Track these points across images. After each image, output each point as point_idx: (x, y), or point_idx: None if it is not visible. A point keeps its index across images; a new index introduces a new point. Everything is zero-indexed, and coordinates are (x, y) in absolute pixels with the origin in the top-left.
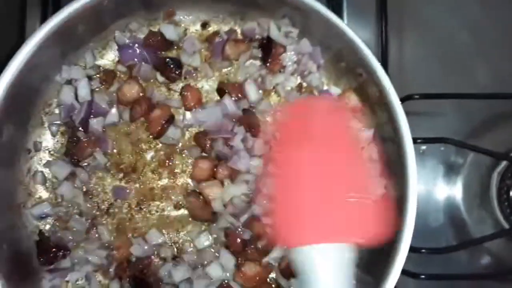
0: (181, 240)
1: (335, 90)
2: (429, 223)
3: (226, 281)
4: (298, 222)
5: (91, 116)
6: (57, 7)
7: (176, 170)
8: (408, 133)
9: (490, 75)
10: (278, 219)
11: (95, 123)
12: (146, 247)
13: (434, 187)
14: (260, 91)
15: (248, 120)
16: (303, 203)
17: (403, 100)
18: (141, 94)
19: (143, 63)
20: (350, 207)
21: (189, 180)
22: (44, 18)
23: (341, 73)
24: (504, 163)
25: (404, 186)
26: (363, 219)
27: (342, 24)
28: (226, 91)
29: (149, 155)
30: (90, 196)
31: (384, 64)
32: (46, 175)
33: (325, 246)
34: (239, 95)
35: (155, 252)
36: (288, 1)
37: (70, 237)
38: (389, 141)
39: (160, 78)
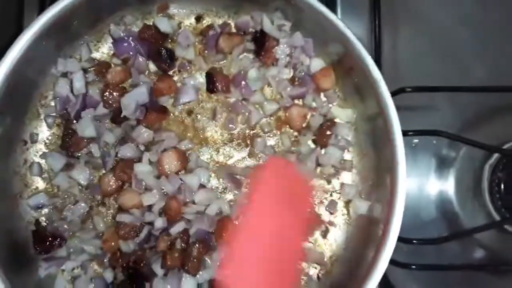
0: None
1: (318, 63)
2: (422, 216)
3: None
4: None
5: (85, 108)
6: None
7: None
8: (397, 122)
9: (484, 69)
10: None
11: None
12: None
13: (426, 180)
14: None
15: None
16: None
17: (395, 93)
18: None
19: (138, 56)
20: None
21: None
22: (41, 10)
23: (333, 66)
24: (495, 156)
25: (394, 176)
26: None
27: (333, 16)
28: (215, 78)
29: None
30: (86, 187)
31: (378, 58)
32: (43, 166)
33: None
34: (226, 88)
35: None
36: None
37: (66, 226)
38: (380, 133)
39: (152, 68)
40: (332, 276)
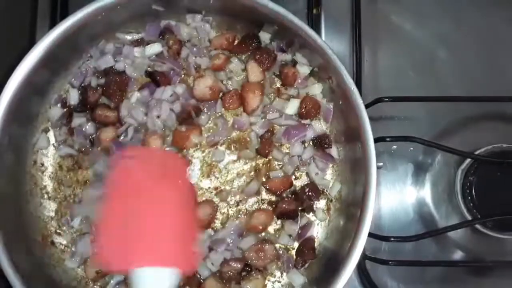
0: None
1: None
2: (400, 218)
3: None
4: (130, 248)
5: None
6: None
7: None
8: (367, 123)
9: (458, 84)
10: (112, 245)
11: None
12: None
13: (404, 185)
14: None
15: None
16: (133, 233)
17: (373, 102)
18: None
19: None
20: (173, 240)
21: None
22: (53, 24)
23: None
24: (467, 161)
25: (367, 177)
26: (182, 251)
27: (311, 31)
28: None
29: None
30: None
31: (358, 74)
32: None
33: (153, 269)
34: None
35: None
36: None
37: None
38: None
39: None
40: (313, 269)
